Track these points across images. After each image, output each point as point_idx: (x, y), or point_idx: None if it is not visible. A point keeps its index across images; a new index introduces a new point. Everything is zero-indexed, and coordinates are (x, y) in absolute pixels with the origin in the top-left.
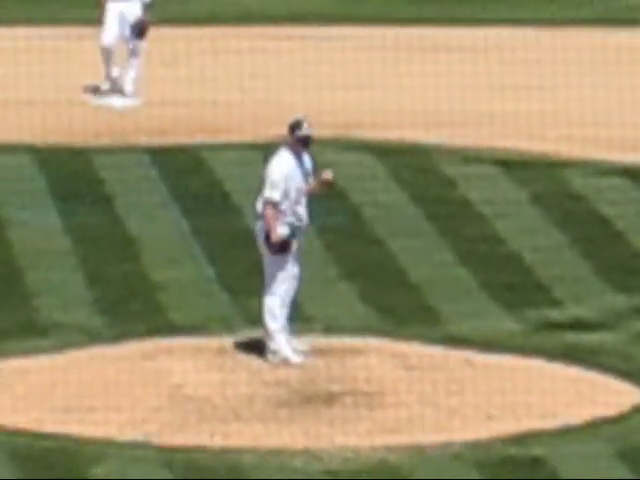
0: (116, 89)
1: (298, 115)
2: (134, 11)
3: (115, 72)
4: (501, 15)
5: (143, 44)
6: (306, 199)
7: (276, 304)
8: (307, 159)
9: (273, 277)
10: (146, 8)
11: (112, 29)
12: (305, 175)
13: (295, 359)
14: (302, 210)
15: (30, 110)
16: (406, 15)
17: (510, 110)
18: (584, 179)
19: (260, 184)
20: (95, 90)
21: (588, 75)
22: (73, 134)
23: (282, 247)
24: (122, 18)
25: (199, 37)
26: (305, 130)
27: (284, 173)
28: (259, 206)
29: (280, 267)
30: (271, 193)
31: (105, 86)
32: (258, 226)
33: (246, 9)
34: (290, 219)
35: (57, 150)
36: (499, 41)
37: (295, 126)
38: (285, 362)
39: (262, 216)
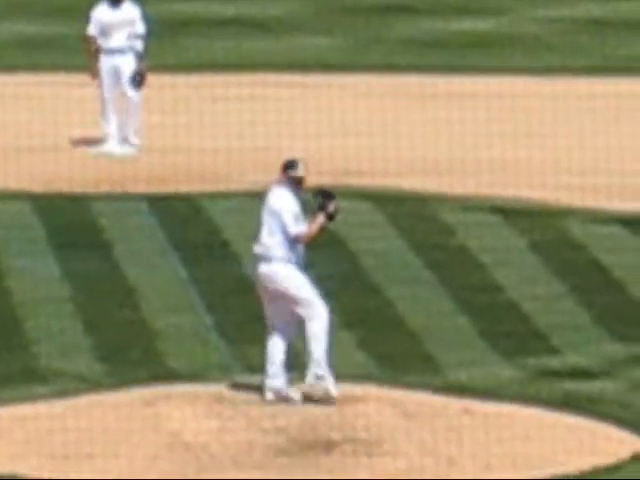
0: (112, 138)
1: (294, 156)
2: (129, 62)
3: (110, 124)
4: (502, 63)
5: (140, 93)
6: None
7: (323, 327)
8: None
9: (307, 304)
10: (141, 58)
11: (107, 83)
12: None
13: (334, 392)
14: (301, 248)
15: (29, 157)
16: (405, 63)
17: (510, 158)
18: (583, 227)
19: (260, 225)
20: (94, 138)
21: (588, 123)
22: (72, 182)
23: (332, 215)
24: (117, 71)
25: (198, 84)
26: (300, 171)
27: (295, 207)
28: (258, 249)
29: (308, 291)
30: (297, 227)
31: (107, 132)
32: (260, 269)
33: (246, 56)
34: (291, 255)
35: (56, 197)
36: (499, 89)
37: (289, 166)
38: (325, 391)
39: (269, 258)
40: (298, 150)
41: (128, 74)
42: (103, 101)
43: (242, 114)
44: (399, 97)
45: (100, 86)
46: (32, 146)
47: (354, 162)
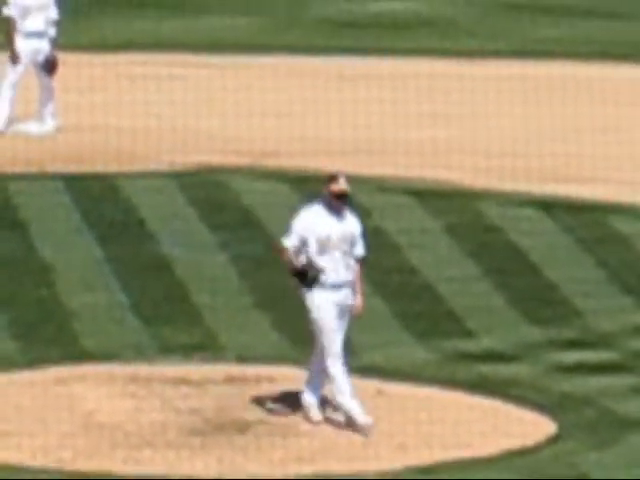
0: (1, 118)
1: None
2: (45, 46)
3: (4, 104)
4: (419, 45)
5: (52, 78)
6: (341, 258)
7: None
8: (350, 219)
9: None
10: (53, 42)
11: (23, 65)
12: (344, 233)
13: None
14: (332, 265)
15: None
16: (323, 44)
17: (427, 139)
18: (499, 210)
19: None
20: (11, 117)
21: (506, 105)
22: None
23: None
24: (35, 54)
25: (116, 63)
26: (340, 185)
27: (303, 222)
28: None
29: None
30: (285, 237)
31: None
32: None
33: (164, 36)
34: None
35: None
36: (416, 70)
37: (330, 179)
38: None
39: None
40: (216, 131)
41: (41, 59)
42: (8, 81)
43: (160, 94)
44: (317, 78)
45: (13, 67)
46: None
47: (272, 143)
